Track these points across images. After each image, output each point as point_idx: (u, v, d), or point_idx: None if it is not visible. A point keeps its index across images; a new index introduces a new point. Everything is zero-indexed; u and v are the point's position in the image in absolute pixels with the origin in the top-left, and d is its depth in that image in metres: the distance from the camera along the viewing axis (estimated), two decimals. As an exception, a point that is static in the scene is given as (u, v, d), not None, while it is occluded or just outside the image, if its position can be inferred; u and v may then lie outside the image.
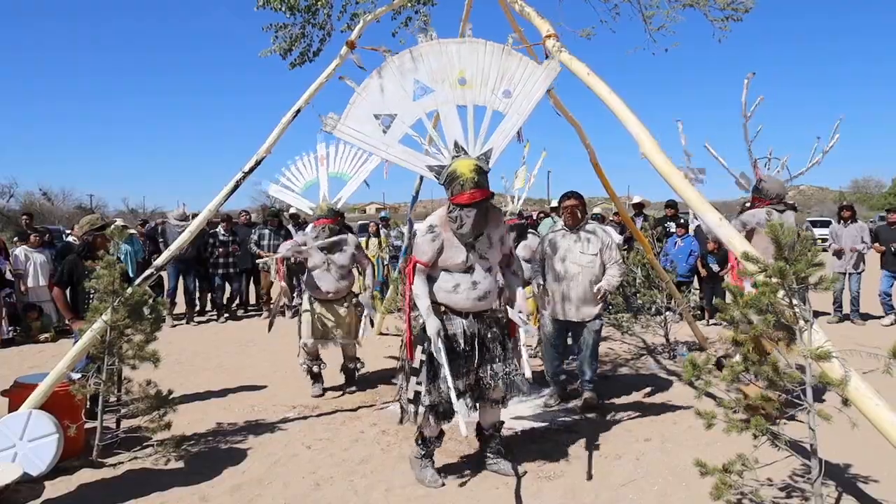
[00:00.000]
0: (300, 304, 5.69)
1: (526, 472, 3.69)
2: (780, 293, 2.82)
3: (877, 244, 8.79)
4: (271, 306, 5.92)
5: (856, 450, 3.73)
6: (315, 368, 5.53)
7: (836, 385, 2.66)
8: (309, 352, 5.46)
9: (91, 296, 4.46)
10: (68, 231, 14.44)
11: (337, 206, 5.60)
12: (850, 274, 8.70)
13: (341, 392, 5.57)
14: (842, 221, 9.01)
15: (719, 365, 4.01)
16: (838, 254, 8.89)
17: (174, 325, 9.29)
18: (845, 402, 2.70)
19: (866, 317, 8.87)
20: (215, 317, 10.03)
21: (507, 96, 3.77)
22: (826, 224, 18.31)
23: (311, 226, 5.67)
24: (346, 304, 5.45)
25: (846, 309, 8.90)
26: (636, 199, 10.02)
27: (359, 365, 5.77)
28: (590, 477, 3.65)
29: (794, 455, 2.81)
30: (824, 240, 9.30)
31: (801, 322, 2.81)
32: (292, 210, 12.24)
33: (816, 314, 8.78)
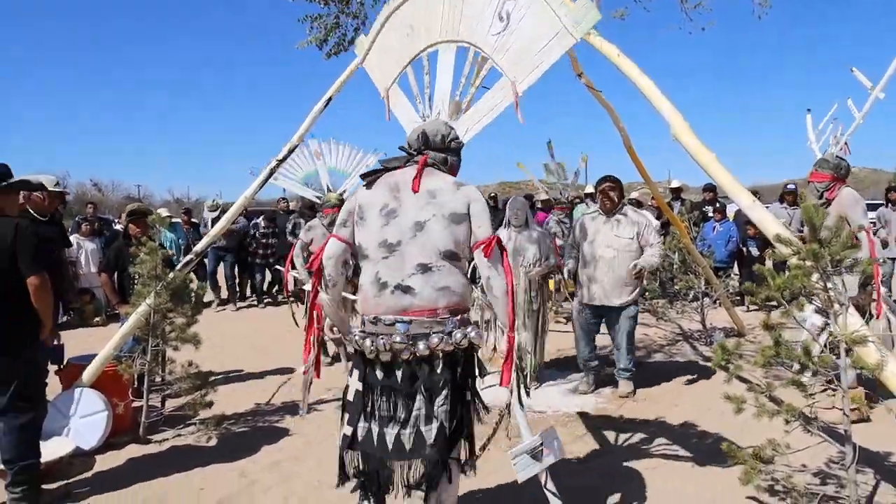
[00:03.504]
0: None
1: None
2: (815, 276, 2.78)
3: None
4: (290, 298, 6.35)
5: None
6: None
7: (872, 370, 2.60)
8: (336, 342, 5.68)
9: (136, 280, 4.67)
10: (117, 220, 15.01)
11: (343, 197, 5.88)
12: (897, 259, 8.36)
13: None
14: (890, 205, 8.62)
15: None
16: (884, 241, 8.51)
17: (218, 311, 9.60)
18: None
19: (918, 303, 8.52)
20: (255, 302, 10.33)
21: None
22: (877, 207, 17.35)
23: (319, 214, 5.97)
24: None
25: (896, 295, 8.58)
26: (675, 184, 9.84)
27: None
28: (619, 461, 3.66)
29: (828, 441, 2.75)
30: (872, 223, 8.93)
31: (836, 306, 2.75)
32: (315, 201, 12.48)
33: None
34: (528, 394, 2.56)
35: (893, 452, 3.51)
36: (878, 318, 3.68)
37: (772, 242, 2.93)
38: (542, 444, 2.50)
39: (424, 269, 2.38)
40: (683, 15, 6.13)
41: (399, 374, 2.40)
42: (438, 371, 2.37)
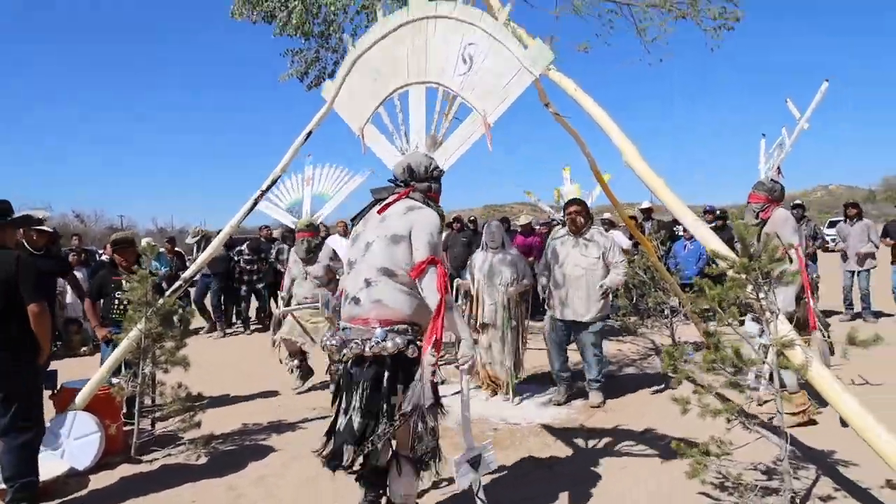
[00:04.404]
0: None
1: None
2: (749, 288, 3.09)
3: (887, 238, 8.84)
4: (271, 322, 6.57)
5: (840, 437, 3.93)
6: (297, 361, 6.08)
7: (798, 370, 2.90)
8: (288, 347, 6.05)
9: (115, 306, 4.93)
10: (101, 251, 15.11)
11: (317, 222, 6.17)
12: (858, 272, 8.76)
13: (322, 387, 6.17)
14: (848, 220, 9.07)
15: None
16: (843, 254, 8.97)
17: (206, 337, 9.79)
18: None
19: (879, 314, 8.92)
20: (242, 329, 10.52)
21: None
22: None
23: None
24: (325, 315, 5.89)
25: (858, 308, 8.96)
26: (645, 205, 10.25)
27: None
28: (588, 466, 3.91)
29: (765, 435, 3.04)
30: (835, 240, 9.39)
31: (768, 314, 3.06)
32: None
33: (829, 313, 8.88)
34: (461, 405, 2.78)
35: (835, 450, 3.79)
36: (812, 328, 3.98)
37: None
38: (480, 455, 2.75)
39: (368, 283, 2.78)
40: (643, 48, 6.53)
41: (341, 370, 2.83)
42: (365, 371, 2.72)
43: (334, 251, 6.26)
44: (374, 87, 3.51)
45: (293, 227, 6.31)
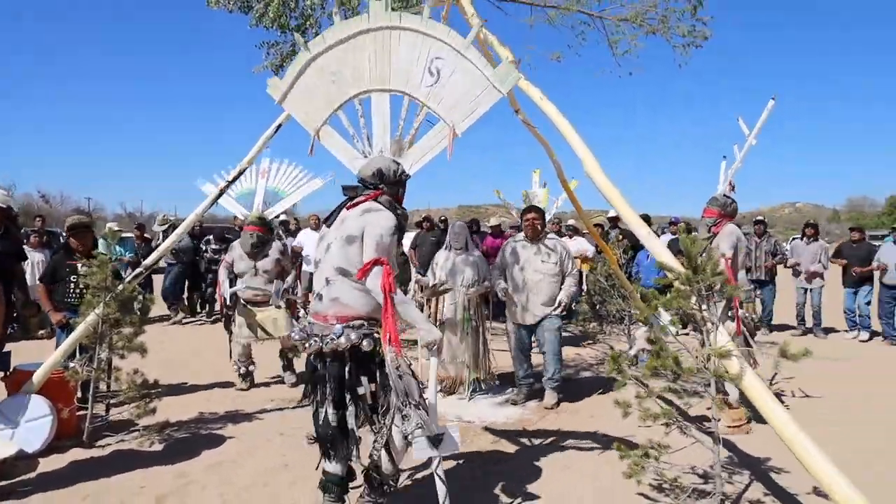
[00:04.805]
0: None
1: None
2: (693, 299, 3.24)
3: (839, 259, 9.20)
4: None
5: (775, 445, 4.12)
6: (243, 369, 5.97)
7: (733, 379, 3.06)
8: (242, 353, 5.92)
9: (71, 290, 4.90)
10: (64, 234, 14.87)
11: (269, 217, 6.04)
12: (810, 289, 9.11)
13: (281, 380, 6.20)
14: (805, 238, 9.41)
15: None
16: (795, 269, 9.32)
17: (168, 323, 9.69)
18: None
19: (829, 331, 9.26)
20: (206, 318, 10.46)
21: None
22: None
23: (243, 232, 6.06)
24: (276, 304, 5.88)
25: (810, 323, 9.29)
26: (612, 213, 10.45)
27: (290, 356, 6.15)
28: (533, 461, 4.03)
29: (699, 440, 3.19)
30: (788, 255, 9.73)
31: (709, 325, 3.21)
32: (282, 217, 12.67)
33: (783, 327, 9.18)
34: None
35: (770, 457, 3.97)
36: (737, 334, 4.20)
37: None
38: (442, 435, 2.85)
39: (328, 282, 2.94)
40: (614, 60, 6.71)
41: (306, 363, 3.02)
42: (328, 366, 2.90)
43: (284, 246, 6.24)
44: (333, 90, 3.53)
45: (242, 217, 6.21)
